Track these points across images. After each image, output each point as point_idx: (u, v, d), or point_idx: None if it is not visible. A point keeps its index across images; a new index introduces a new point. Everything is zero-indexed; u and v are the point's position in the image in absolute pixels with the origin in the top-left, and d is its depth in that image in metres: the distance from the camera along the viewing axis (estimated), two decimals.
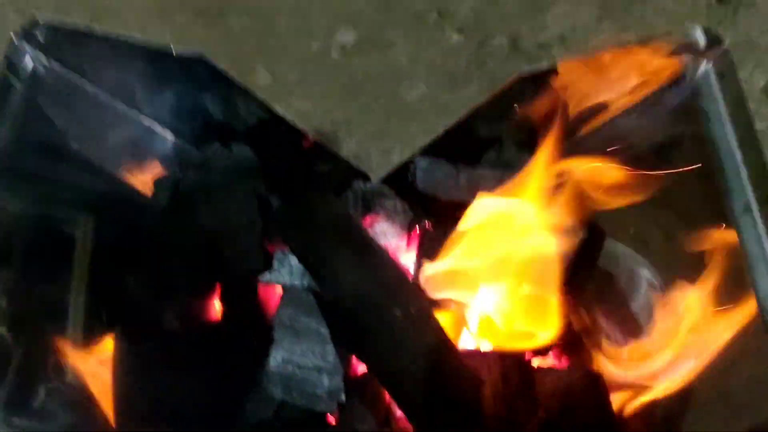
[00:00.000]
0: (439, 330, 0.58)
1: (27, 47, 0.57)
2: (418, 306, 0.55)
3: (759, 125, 1.22)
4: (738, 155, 0.53)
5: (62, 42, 0.58)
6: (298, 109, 1.20)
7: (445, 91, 1.23)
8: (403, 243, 0.64)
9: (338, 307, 0.57)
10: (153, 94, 0.63)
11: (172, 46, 0.59)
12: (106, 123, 0.63)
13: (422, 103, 1.22)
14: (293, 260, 0.63)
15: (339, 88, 1.23)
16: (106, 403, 0.62)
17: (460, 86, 1.23)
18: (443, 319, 0.59)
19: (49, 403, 0.60)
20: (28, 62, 0.57)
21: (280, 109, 1.17)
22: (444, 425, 0.49)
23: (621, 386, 0.59)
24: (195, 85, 0.63)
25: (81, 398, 0.62)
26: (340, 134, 1.17)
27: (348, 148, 1.16)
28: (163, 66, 0.61)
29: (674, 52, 0.58)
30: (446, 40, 1.30)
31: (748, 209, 0.51)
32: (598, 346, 0.62)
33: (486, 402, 0.54)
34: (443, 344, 0.54)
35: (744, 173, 0.52)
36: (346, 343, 0.59)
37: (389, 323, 0.52)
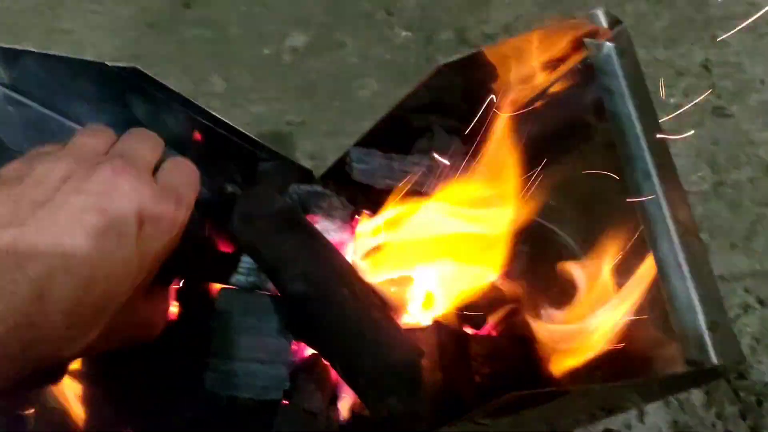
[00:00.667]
0: (382, 307, 0.61)
1: None
2: (362, 286, 0.58)
3: (695, 98, 1.27)
4: (638, 126, 0.57)
5: (4, 63, 0.61)
6: (253, 113, 1.24)
7: (396, 86, 1.26)
8: (347, 235, 0.67)
9: (288, 294, 0.60)
10: (91, 106, 0.66)
11: (106, 61, 0.62)
12: (47, 136, 0.66)
13: (374, 99, 1.25)
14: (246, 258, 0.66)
15: (293, 90, 1.26)
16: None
17: (411, 81, 1.26)
18: (385, 297, 0.63)
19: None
20: None
21: (236, 112, 1.22)
22: (389, 395, 0.53)
23: (555, 349, 0.63)
24: (130, 95, 0.66)
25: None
26: (296, 134, 1.20)
27: (304, 148, 1.19)
28: (100, 80, 0.64)
29: (581, 35, 0.62)
30: (395, 37, 1.34)
31: (648, 175, 0.55)
32: (533, 315, 0.66)
33: (426, 372, 0.58)
34: (387, 320, 0.57)
35: (643, 142, 0.56)
36: (296, 328, 0.62)
37: (339, 302, 0.55)
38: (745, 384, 0.94)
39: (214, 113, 0.67)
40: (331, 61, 1.31)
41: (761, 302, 1.04)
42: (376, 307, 0.58)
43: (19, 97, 0.65)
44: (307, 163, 1.15)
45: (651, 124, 0.56)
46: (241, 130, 0.70)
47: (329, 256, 0.61)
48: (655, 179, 0.54)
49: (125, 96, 0.65)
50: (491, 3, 1.36)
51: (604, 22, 0.61)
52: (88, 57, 0.63)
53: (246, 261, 0.66)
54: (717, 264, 1.07)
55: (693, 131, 1.15)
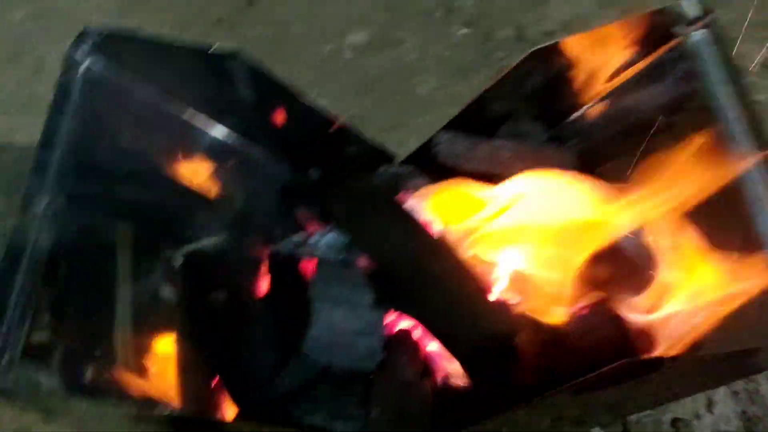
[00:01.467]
0: (476, 280, 0.63)
1: (82, 52, 0.63)
2: (454, 260, 0.61)
3: (759, 97, 1.27)
4: (737, 107, 0.58)
5: (113, 46, 0.64)
6: None
7: (455, 82, 1.28)
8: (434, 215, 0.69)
9: (385, 269, 0.62)
10: (194, 90, 0.70)
11: (211, 46, 0.65)
12: (153, 119, 0.69)
13: (433, 95, 1.27)
14: (330, 237, 0.68)
15: (353, 86, 1.29)
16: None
17: (470, 77, 1.28)
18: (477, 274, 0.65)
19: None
20: (84, 65, 0.63)
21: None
22: (486, 365, 0.55)
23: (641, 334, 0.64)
24: (232, 80, 0.69)
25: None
26: (358, 129, 1.23)
27: None
28: (203, 64, 0.67)
29: (670, 24, 0.64)
30: (454, 34, 1.36)
31: (748, 153, 0.56)
32: (618, 302, 0.67)
33: (523, 345, 0.59)
34: (480, 294, 0.59)
35: (741, 123, 0.57)
36: (392, 302, 0.64)
37: (434, 275, 0.57)
38: None
39: (307, 101, 0.70)
40: (390, 57, 1.33)
41: None
42: (470, 282, 0.60)
43: (123, 78, 0.68)
44: None
45: (749, 106, 0.57)
46: (329, 115, 0.72)
47: (421, 231, 0.63)
48: (757, 156, 0.55)
49: (227, 79, 0.68)
50: (549, 1, 1.38)
51: (695, 11, 0.63)
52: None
53: (337, 238, 0.68)
54: None
55: None
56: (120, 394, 0.59)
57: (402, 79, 1.30)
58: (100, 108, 0.65)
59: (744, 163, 0.56)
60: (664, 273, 0.65)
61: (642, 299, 0.66)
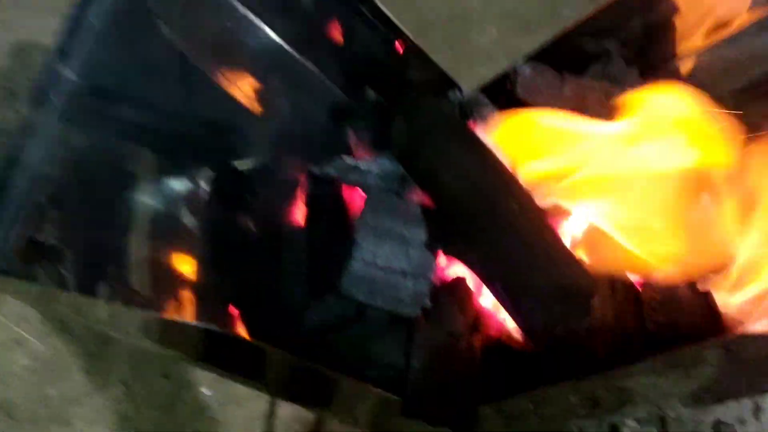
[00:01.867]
0: (552, 228, 0.54)
1: None
2: (530, 202, 0.52)
3: None
4: None
5: None
6: None
7: (517, 36, 1.19)
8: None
9: (447, 204, 0.54)
10: None
11: None
12: (202, 6, 0.61)
13: (493, 48, 1.18)
14: (384, 164, 0.61)
15: (410, 26, 1.20)
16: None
17: (533, 33, 1.19)
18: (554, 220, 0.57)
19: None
20: None
21: None
22: (557, 321, 0.47)
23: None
24: None
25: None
26: None
27: None
28: None
29: None
30: None
31: None
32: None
33: (598, 306, 0.52)
34: (559, 242, 0.51)
35: None
36: (450, 242, 0.56)
37: (508, 214, 0.49)
38: None
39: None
40: (454, 1, 1.24)
41: None
42: (548, 228, 0.52)
43: None
44: None
45: None
46: (407, 33, 0.64)
47: (496, 165, 0.55)
48: None
49: None
50: None
51: None
52: None
53: (392, 166, 0.61)
54: None
55: None
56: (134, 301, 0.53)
57: (462, 27, 1.21)
58: None
59: None
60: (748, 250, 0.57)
61: (723, 278, 0.58)
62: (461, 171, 0.53)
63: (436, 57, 1.16)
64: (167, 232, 0.65)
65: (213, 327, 0.44)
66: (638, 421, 0.85)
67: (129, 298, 0.52)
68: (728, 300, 0.56)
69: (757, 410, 0.87)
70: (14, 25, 1.21)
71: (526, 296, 0.49)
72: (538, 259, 0.49)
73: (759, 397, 0.87)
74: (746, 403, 0.87)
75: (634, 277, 0.56)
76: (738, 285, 0.56)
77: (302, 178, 0.67)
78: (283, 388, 0.63)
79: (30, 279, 0.46)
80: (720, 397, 0.83)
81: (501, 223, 0.51)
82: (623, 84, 0.62)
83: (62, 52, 0.52)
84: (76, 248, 0.52)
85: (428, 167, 0.55)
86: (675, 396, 0.80)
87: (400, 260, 0.56)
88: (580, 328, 0.48)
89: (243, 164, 0.71)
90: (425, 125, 0.55)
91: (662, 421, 0.85)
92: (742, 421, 0.86)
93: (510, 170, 0.55)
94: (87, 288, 0.50)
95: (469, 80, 1.13)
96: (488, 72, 1.16)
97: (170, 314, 0.53)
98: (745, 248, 0.56)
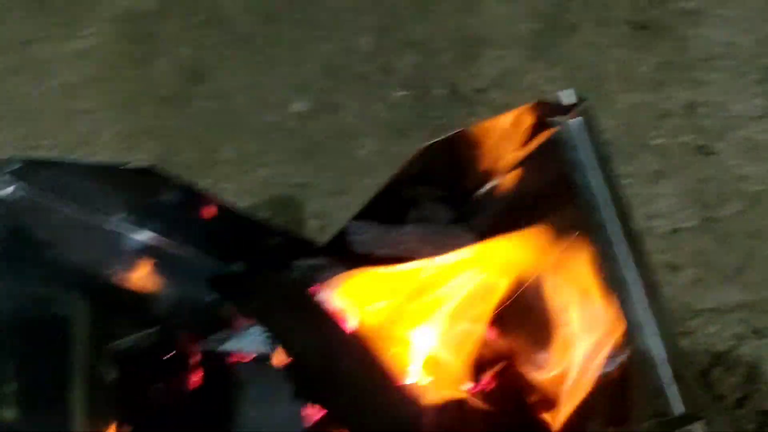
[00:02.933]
0: (385, 371, 0.67)
1: (5, 179, 0.68)
2: (366, 353, 0.65)
3: (683, 138, 1.33)
4: (605, 193, 0.63)
5: (35, 172, 0.68)
6: (261, 178, 1.31)
7: (394, 144, 1.34)
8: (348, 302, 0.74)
9: (299, 363, 0.67)
10: (116, 202, 0.74)
11: (125, 163, 0.70)
12: (77, 233, 0.73)
13: (373, 157, 1.33)
14: (253, 331, 0.73)
15: (297, 153, 1.34)
16: None
17: (408, 138, 1.34)
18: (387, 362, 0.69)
19: None
20: (9, 190, 0.68)
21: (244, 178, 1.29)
22: None
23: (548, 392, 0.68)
24: (151, 191, 0.74)
25: None
26: (302, 196, 1.28)
27: (310, 208, 1.26)
28: (123, 179, 0.72)
29: (549, 113, 0.69)
30: (390, 96, 1.42)
31: (615, 240, 0.61)
32: (527, 365, 0.71)
33: (428, 428, 0.64)
34: (390, 382, 0.64)
35: (610, 211, 0.62)
36: (307, 393, 0.68)
37: (344, 371, 0.62)
38: (741, 413, 0.98)
39: (222, 201, 0.75)
40: (331, 123, 1.39)
41: (756, 332, 1.08)
42: (380, 372, 0.64)
43: (46, 200, 0.72)
44: (313, 223, 1.22)
45: (617, 193, 0.62)
46: (248, 215, 0.77)
47: (332, 325, 0.67)
48: (620, 242, 0.60)
49: (146, 190, 0.73)
50: (480, 58, 1.44)
51: (569, 100, 0.68)
52: (102, 159, 0.71)
53: (259, 333, 0.73)
54: (710, 297, 1.12)
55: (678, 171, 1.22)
56: None
57: (343, 144, 1.35)
58: (24, 227, 0.70)
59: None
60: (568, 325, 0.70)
61: (547, 355, 0.70)
62: (302, 334, 0.65)
63: (326, 175, 1.31)
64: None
65: None
66: None
67: None
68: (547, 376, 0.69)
69: None
70: None
71: None
72: (370, 403, 0.61)
73: None
74: None
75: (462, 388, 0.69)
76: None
77: (195, 350, 0.79)
78: None
79: None
80: None
81: (338, 377, 0.63)
82: (435, 222, 0.76)
83: None
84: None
85: (280, 332, 0.67)
86: None
87: (274, 417, 0.68)
88: None
89: (143, 341, 0.82)
90: (267, 299, 0.68)
91: None
92: None
93: (344, 327, 0.67)
94: None
95: (358, 192, 1.27)
96: (374, 181, 1.30)
97: None
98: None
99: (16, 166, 0.68)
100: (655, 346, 0.56)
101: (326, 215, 1.24)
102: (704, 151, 1.28)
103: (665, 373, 0.54)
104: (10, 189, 0.68)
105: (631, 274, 0.60)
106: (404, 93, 1.42)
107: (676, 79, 1.40)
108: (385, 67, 1.46)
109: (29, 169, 0.68)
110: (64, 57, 1.51)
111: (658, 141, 1.29)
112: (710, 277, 1.14)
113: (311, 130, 1.38)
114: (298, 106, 1.42)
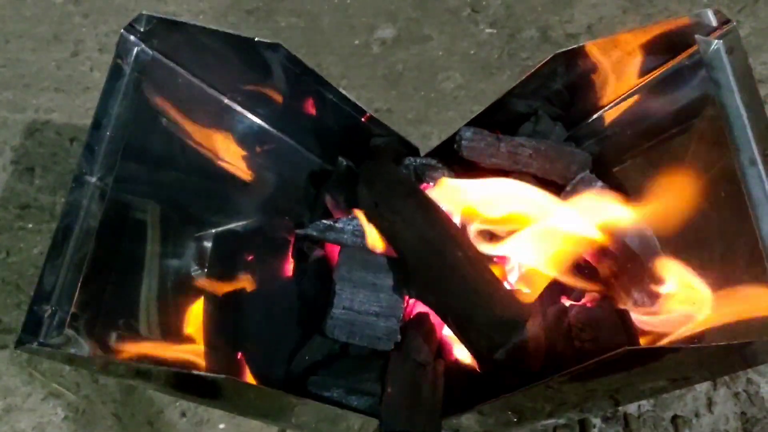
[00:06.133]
0: (491, 270, 0.66)
1: (134, 37, 0.67)
2: (473, 251, 0.64)
3: None
4: (744, 116, 0.61)
5: (163, 33, 0.68)
6: None
7: (479, 80, 1.32)
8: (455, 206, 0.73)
9: (406, 256, 0.66)
10: (235, 77, 0.74)
11: (254, 37, 0.69)
12: (195, 104, 0.73)
13: (457, 91, 1.31)
14: (356, 223, 0.72)
15: (380, 79, 1.33)
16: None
17: (494, 76, 1.32)
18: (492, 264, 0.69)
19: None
20: (134, 51, 0.68)
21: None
22: (498, 348, 0.58)
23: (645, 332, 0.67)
24: (270, 70, 0.73)
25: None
26: (383, 121, 1.26)
27: None
28: (244, 53, 0.71)
29: (689, 33, 0.67)
30: (479, 34, 1.39)
31: (753, 163, 0.59)
32: (626, 301, 0.70)
33: (532, 331, 0.63)
34: (497, 282, 0.63)
35: (749, 131, 0.60)
36: (411, 286, 0.68)
37: (455, 263, 0.61)
38: None
39: (342, 91, 0.74)
40: (417, 53, 1.37)
41: None
42: (487, 271, 0.64)
43: (170, 63, 0.72)
44: None
45: (757, 115, 0.60)
46: (362, 107, 0.76)
47: (443, 221, 0.67)
48: (761, 166, 0.58)
49: (266, 69, 0.72)
50: (575, 4, 1.40)
51: (713, 21, 0.66)
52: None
53: (357, 223, 0.72)
54: None
55: None
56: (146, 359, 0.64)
57: (428, 75, 1.34)
58: (148, 91, 0.70)
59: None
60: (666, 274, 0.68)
61: (645, 296, 0.69)
62: (414, 228, 0.65)
63: (408, 104, 1.30)
64: (180, 288, 0.77)
65: (223, 377, 0.54)
66: (604, 418, 0.96)
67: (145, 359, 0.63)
68: (646, 320, 0.67)
69: (710, 404, 0.97)
70: (23, 104, 1.34)
71: (471, 328, 0.61)
72: (479, 297, 0.61)
73: (712, 392, 0.98)
74: (701, 397, 0.98)
75: (563, 302, 0.68)
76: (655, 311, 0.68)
77: (290, 238, 0.79)
78: (286, 419, 0.75)
79: (65, 354, 0.56)
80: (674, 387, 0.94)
81: (448, 270, 0.62)
82: (550, 139, 0.74)
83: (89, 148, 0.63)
84: (104, 313, 0.64)
85: (388, 226, 0.67)
86: (632, 388, 0.91)
87: (373, 304, 0.68)
88: (516, 350, 0.60)
89: (240, 227, 0.83)
90: (383, 190, 0.67)
91: (626, 420, 0.96)
92: (697, 415, 0.97)
93: (455, 225, 0.67)
94: (109, 350, 0.61)
95: (440, 123, 1.26)
96: (455, 115, 1.28)
97: (185, 368, 0.64)
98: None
99: (147, 24, 0.67)
100: None
101: None
102: None
103: None
104: (137, 48, 0.68)
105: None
106: (493, 31, 1.39)
107: None
108: (476, 4, 1.43)
109: (158, 30, 0.68)
110: None
111: None
112: None
113: (396, 58, 1.36)
114: (383, 32, 1.40)
